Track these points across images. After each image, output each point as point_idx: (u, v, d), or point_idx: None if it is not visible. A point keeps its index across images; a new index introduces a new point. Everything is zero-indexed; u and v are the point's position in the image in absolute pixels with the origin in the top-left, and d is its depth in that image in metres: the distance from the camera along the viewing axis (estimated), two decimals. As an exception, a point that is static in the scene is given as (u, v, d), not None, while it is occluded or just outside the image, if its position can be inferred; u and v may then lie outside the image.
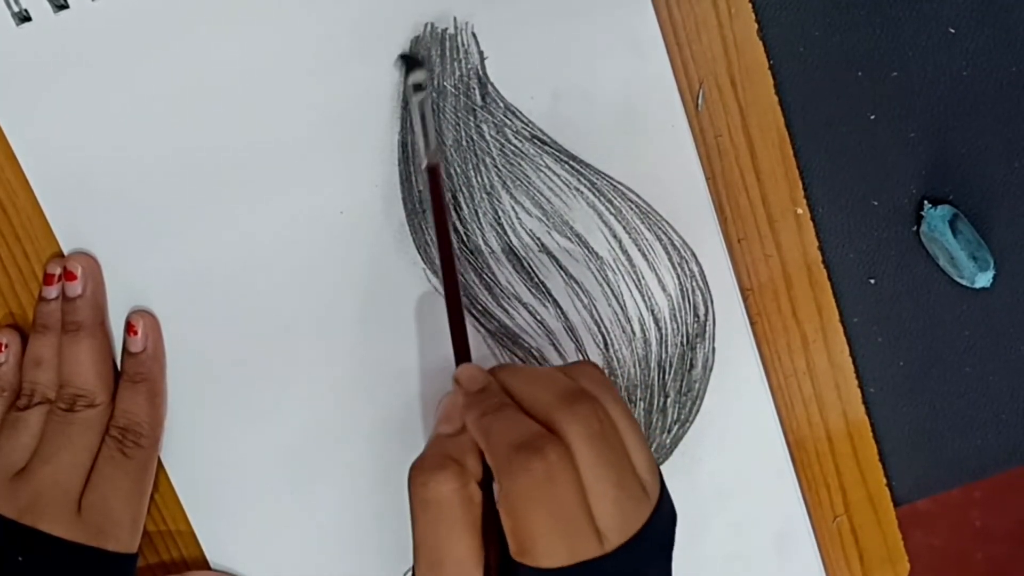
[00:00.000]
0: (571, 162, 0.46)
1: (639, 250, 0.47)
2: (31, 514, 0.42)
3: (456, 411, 0.39)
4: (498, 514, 0.36)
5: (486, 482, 0.37)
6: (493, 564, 0.36)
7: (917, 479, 0.52)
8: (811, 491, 0.50)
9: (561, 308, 0.47)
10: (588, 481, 0.35)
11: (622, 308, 0.47)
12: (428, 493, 0.36)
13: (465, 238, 0.46)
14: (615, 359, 0.48)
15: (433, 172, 0.44)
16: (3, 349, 0.45)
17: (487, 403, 0.38)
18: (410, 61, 0.44)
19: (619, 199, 0.47)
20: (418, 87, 0.44)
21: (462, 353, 0.42)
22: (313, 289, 0.46)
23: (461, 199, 0.46)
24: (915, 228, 0.49)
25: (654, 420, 0.49)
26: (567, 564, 0.34)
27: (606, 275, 0.47)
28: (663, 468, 0.49)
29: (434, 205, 0.44)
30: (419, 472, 0.37)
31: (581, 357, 0.48)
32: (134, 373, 0.45)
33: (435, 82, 0.45)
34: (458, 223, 0.46)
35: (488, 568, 0.36)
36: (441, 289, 0.47)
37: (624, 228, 0.47)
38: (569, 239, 0.47)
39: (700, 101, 0.47)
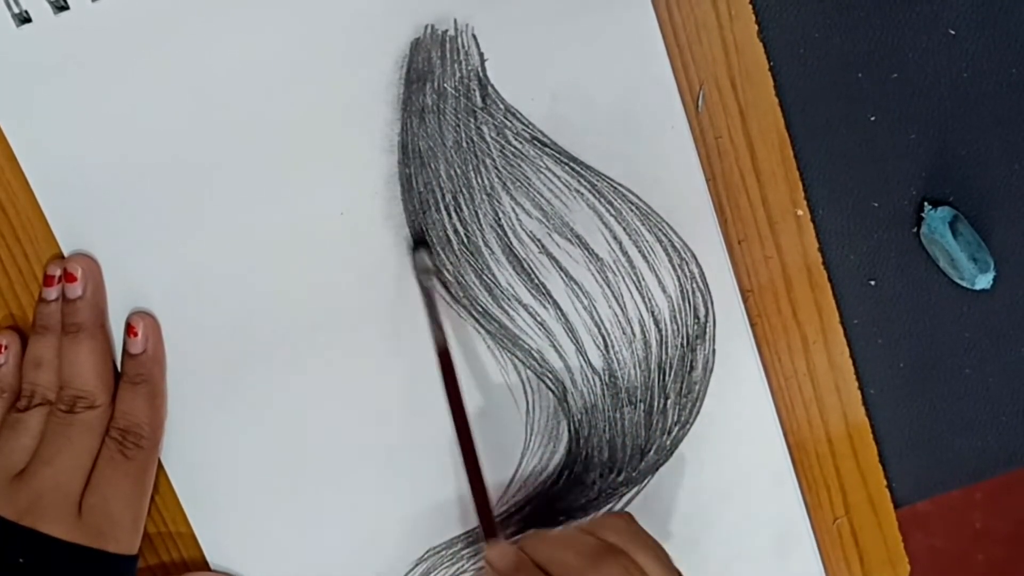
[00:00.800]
0: (571, 163, 0.46)
1: (639, 251, 0.47)
2: (31, 516, 0.42)
3: None
4: None
5: None
6: None
7: (917, 480, 0.52)
8: (811, 492, 0.50)
9: (561, 309, 0.47)
10: None
11: (622, 309, 0.47)
12: None
13: (465, 239, 0.46)
14: (615, 361, 0.48)
15: (443, 355, 0.45)
16: (3, 350, 0.45)
17: None
18: (417, 245, 0.45)
19: (619, 200, 0.47)
20: (426, 272, 0.45)
21: (489, 531, 0.43)
22: (313, 289, 0.46)
23: (461, 200, 0.46)
24: (915, 230, 0.49)
25: (654, 422, 0.49)
26: None
27: (606, 276, 0.47)
28: (663, 469, 0.49)
29: (447, 387, 0.45)
30: None
31: (581, 358, 0.48)
32: (134, 374, 0.45)
33: (436, 84, 0.45)
34: (458, 224, 0.46)
35: None
36: (441, 289, 0.47)
37: (624, 230, 0.47)
38: (569, 240, 0.47)
39: (700, 102, 0.47)
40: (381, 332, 0.47)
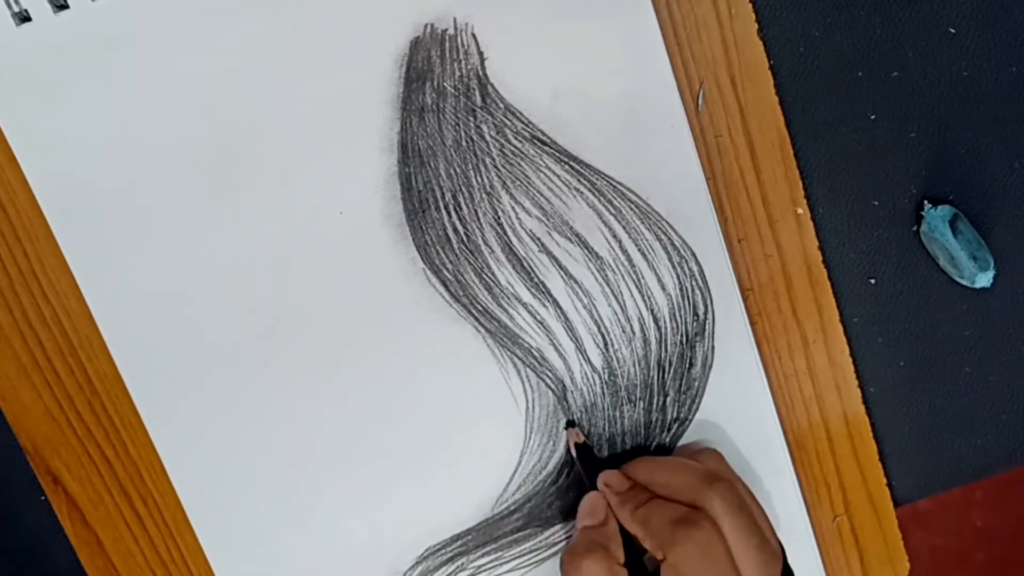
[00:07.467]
0: (571, 162, 0.46)
1: (639, 250, 0.47)
2: None
3: (601, 506, 0.45)
4: None
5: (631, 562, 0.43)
6: None
7: (917, 479, 0.52)
8: (811, 490, 0.50)
9: (561, 308, 0.47)
10: (734, 546, 0.41)
11: (622, 308, 0.47)
12: (581, 574, 0.42)
13: (465, 238, 0.46)
14: (615, 358, 0.48)
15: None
16: None
17: (638, 499, 0.44)
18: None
19: (619, 199, 0.47)
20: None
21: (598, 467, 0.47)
22: (313, 289, 0.46)
23: (461, 199, 0.46)
24: (915, 228, 0.49)
25: (654, 419, 0.49)
26: None
27: (606, 275, 0.47)
28: (663, 468, 0.49)
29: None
30: (572, 557, 0.43)
31: (581, 357, 0.48)
32: None
33: (435, 83, 0.45)
34: (458, 223, 0.46)
35: None
36: (440, 288, 0.47)
37: (624, 228, 0.47)
38: (569, 239, 0.47)
39: (700, 101, 0.47)
40: (381, 331, 0.47)
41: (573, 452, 0.48)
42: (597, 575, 0.42)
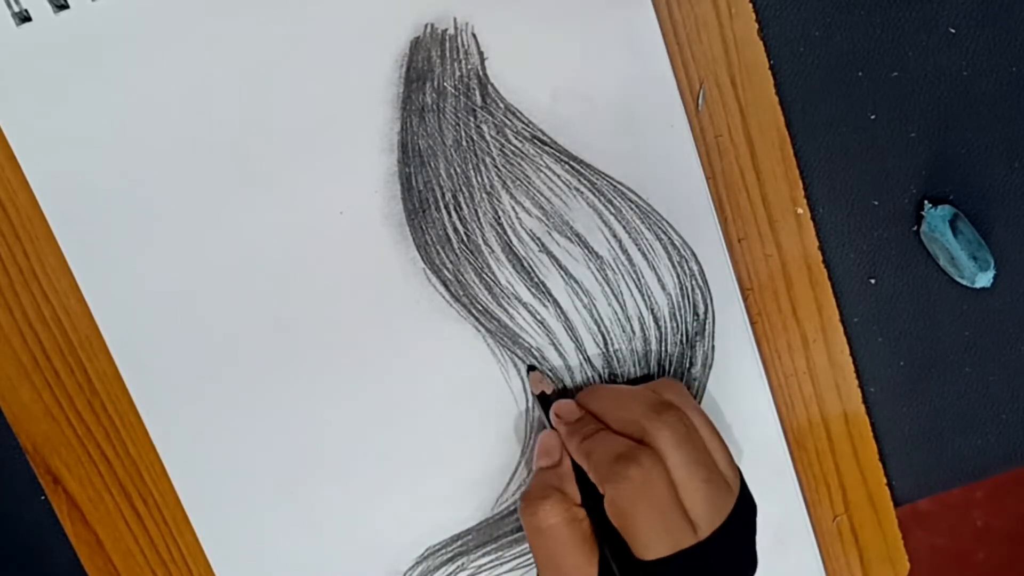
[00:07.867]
0: (571, 162, 0.46)
1: (639, 249, 0.47)
2: None
3: (555, 446, 0.44)
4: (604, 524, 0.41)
5: (589, 500, 0.42)
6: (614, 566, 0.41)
7: (917, 479, 0.52)
8: (811, 490, 0.50)
9: (561, 308, 0.47)
10: (680, 479, 0.40)
11: (622, 307, 0.47)
12: (538, 521, 0.42)
13: (465, 238, 0.46)
14: (615, 358, 0.48)
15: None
16: None
17: (585, 430, 0.43)
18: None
19: (619, 199, 0.47)
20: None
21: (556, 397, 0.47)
22: (313, 289, 0.46)
23: (461, 199, 0.46)
24: (915, 228, 0.49)
25: (654, 420, 0.49)
26: (670, 554, 0.39)
27: (606, 274, 0.47)
28: (663, 468, 0.49)
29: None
30: (527, 504, 0.42)
31: (581, 356, 0.48)
32: None
33: (436, 83, 0.45)
34: (458, 223, 0.46)
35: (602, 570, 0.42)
36: (440, 288, 0.47)
37: (624, 228, 0.47)
38: (569, 239, 0.47)
39: (700, 101, 0.47)
40: (380, 331, 0.47)
41: (534, 395, 0.47)
42: (554, 520, 0.41)
